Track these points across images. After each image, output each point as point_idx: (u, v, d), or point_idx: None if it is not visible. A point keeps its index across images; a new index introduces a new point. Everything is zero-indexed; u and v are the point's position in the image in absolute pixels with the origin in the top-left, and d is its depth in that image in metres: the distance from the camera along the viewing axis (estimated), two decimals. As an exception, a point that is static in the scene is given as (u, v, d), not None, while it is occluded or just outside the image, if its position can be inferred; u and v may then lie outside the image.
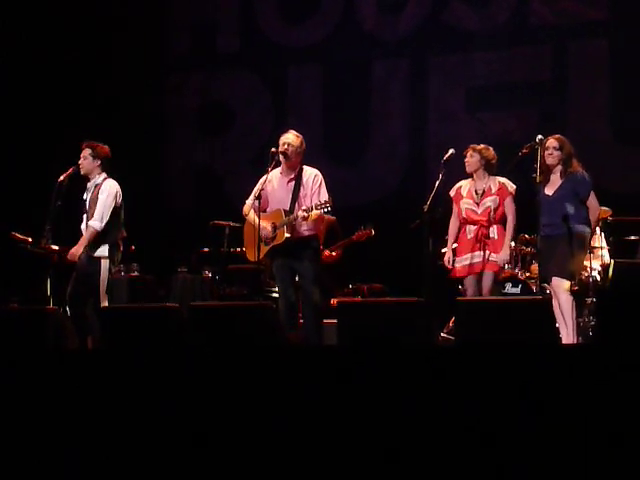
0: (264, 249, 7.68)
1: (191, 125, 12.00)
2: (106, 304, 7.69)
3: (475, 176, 7.83)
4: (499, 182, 7.77)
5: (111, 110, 11.53)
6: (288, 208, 7.66)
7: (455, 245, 7.85)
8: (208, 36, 11.94)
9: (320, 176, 7.74)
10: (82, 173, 7.97)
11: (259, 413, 5.53)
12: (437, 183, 7.62)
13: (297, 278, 7.76)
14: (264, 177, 7.72)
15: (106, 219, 7.80)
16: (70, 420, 5.79)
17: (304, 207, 7.54)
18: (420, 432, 5.27)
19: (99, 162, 7.95)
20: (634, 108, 10.14)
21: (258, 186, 7.75)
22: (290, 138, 7.76)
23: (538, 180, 7.25)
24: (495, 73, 10.81)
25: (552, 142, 7.36)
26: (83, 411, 5.78)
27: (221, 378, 5.69)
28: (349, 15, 11.42)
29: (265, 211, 7.75)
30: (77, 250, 7.77)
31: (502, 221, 7.73)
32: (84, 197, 7.98)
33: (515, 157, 7.62)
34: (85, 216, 7.89)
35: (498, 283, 7.93)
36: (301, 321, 7.84)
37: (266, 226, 7.63)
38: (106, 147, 8.02)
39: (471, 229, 7.75)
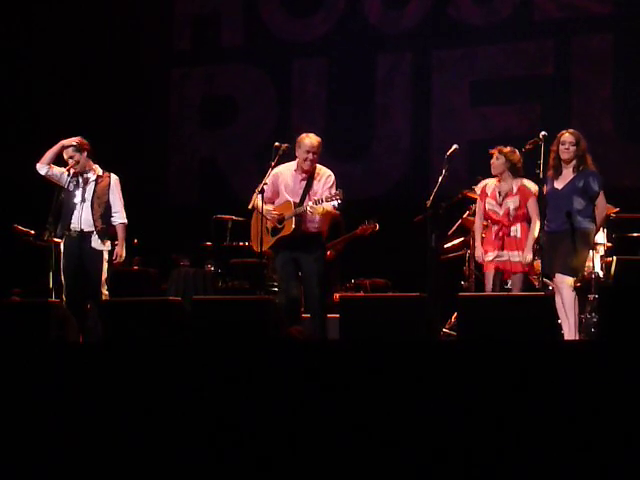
0: (270, 241, 7.69)
1: (195, 119, 12.00)
2: (106, 295, 7.71)
3: (500, 178, 7.81)
4: (521, 184, 7.73)
5: (115, 104, 11.52)
6: (298, 202, 7.66)
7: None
8: (212, 30, 11.93)
9: (333, 177, 7.74)
10: (79, 171, 7.91)
11: (259, 406, 5.54)
12: (440, 178, 7.61)
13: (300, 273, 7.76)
14: (272, 171, 7.70)
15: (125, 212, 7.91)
16: (72, 413, 5.80)
17: (315, 198, 7.53)
18: (421, 426, 5.28)
19: (85, 153, 7.91)
20: (638, 103, 10.13)
21: (266, 179, 7.71)
22: (314, 147, 7.67)
23: (541, 176, 7.25)
24: (499, 67, 10.79)
25: (568, 137, 7.34)
26: (85, 404, 5.79)
27: (222, 372, 5.70)
28: (353, 9, 11.40)
29: (273, 203, 7.76)
30: (122, 251, 7.88)
31: (525, 219, 7.71)
32: (77, 187, 7.91)
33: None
34: (89, 205, 7.85)
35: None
36: (305, 315, 7.83)
37: (273, 212, 7.62)
38: (80, 138, 7.96)
39: (494, 228, 7.76)
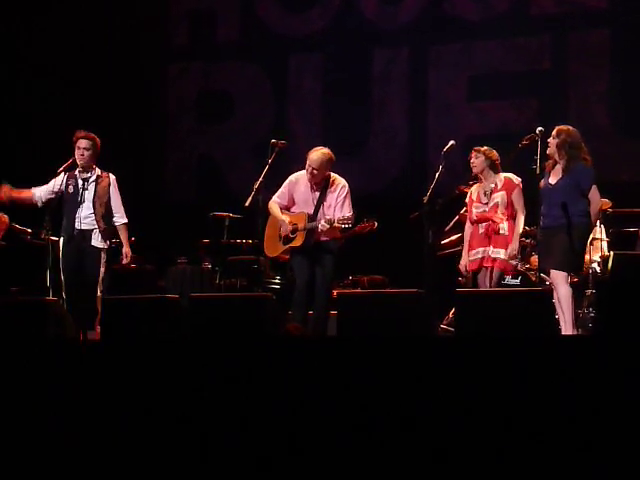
0: (282, 247, 7.87)
1: (191, 115, 12.00)
2: (100, 294, 7.73)
3: (482, 177, 7.90)
4: (504, 177, 7.84)
5: (113, 101, 11.52)
6: (312, 214, 7.81)
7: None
8: (208, 25, 11.92)
9: (347, 188, 7.86)
10: (82, 164, 7.93)
11: (257, 403, 5.53)
12: (437, 175, 7.62)
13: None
14: (266, 168, 7.74)
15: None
16: (69, 410, 5.80)
17: (328, 217, 7.69)
18: (419, 422, 5.27)
19: (97, 154, 7.95)
20: (635, 98, 10.13)
21: (282, 189, 7.94)
22: (315, 162, 7.77)
23: (538, 171, 7.23)
24: (496, 62, 10.79)
25: (553, 131, 7.36)
26: (82, 402, 5.79)
27: (220, 369, 5.70)
28: (349, 4, 11.40)
29: (289, 210, 7.93)
30: (129, 250, 7.99)
31: (513, 217, 7.78)
32: (78, 186, 7.92)
33: (515, 148, 7.63)
34: (91, 205, 7.85)
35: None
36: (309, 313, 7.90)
37: (287, 223, 7.80)
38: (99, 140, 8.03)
39: (482, 225, 7.82)
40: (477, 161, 7.88)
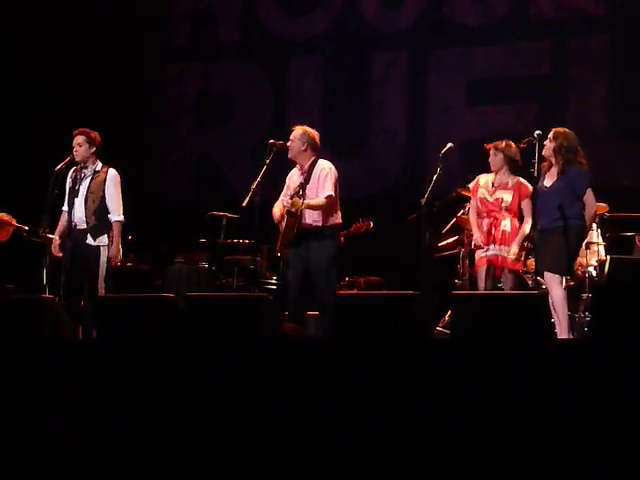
0: (278, 240, 7.81)
1: (191, 115, 12.01)
2: (103, 293, 7.70)
3: (499, 173, 7.78)
4: (518, 180, 7.71)
5: (113, 101, 11.52)
6: None
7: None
8: (208, 26, 11.93)
9: (328, 170, 7.73)
10: (77, 160, 7.94)
11: (253, 403, 5.53)
12: (435, 177, 7.61)
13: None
14: (266, 168, 7.73)
15: (122, 209, 7.84)
16: (65, 409, 5.80)
17: (289, 193, 7.61)
18: (414, 425, 5.28)
19: (94, 149, 7.94)
20: (634, 103, 10.14)
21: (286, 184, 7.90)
22: (292, 134, 7.77)
23: (536, 174, 7.24)
24: (495, 67, 10.79)
25: (550, 133, 7.35)
26: (78, 401, 5.79)
27: (216, 369, 5.70)
28: (350, 7, 11.41)
29: None
30: (118, 250, 7.78)
31: (516, 216, 7.71)
32: (77, 182, 7.91)
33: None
34: (82, 201, 7.84)
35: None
36: (312, 313, 7.84)
37: (281, 220, 7.76)
38: (97, 134, 8.02)
39: (485, 222, 7.75)
40: (496, 159, 7.75)
